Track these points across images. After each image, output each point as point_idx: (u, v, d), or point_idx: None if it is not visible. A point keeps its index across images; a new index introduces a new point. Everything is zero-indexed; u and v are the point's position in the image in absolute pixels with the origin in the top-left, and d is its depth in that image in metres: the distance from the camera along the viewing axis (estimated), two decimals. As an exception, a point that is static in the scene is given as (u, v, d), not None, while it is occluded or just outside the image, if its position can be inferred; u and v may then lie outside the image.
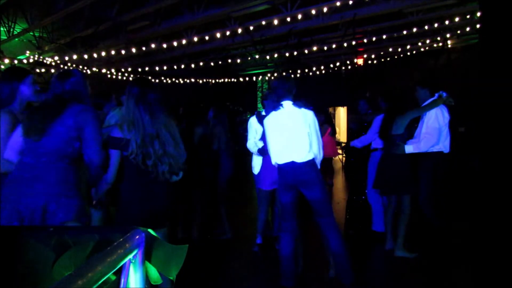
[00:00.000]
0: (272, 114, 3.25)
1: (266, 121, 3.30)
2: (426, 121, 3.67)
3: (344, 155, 9.48)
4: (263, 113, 4.18)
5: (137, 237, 1.11)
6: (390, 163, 3.85)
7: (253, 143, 4.13)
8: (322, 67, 13.57)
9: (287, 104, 3.18)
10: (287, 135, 3.14)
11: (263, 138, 4.02)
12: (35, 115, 2.18)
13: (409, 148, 3.68)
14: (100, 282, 0.87)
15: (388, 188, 3.93)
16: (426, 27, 8.92)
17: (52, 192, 2.08)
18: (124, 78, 13.08)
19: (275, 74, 15.52)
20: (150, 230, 1.20)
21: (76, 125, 2.18)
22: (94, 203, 2.45)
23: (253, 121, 4.19)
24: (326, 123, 7.55)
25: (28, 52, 9.75)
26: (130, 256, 1.05)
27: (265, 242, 4.32)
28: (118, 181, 2.63)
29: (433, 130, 3.61)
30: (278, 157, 3.20)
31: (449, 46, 10.82)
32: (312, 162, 3.12)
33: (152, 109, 2.33)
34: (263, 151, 4.00)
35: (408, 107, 3.84)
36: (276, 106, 3.26)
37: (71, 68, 10.86)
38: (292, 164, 3.11)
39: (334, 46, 10.44)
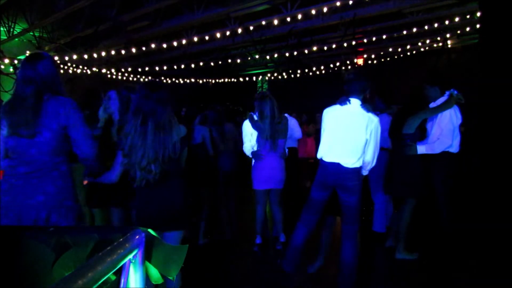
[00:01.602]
0: (336, 108, 3.05)
1: (326, 112, 3.09)
2: (438, 122, 3.58)
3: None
4: (255, 116, 4.16)
5: (137, 237, 1.11)
6: (401, 166, 3.75)
7: (249, 146, 4.10)
8: (322, 67, 13.57)
9: (355, 102, 2.97)
10: (342, 135, 2.96)
11: (258, 141, 4.00)
12: (16, 108, 2.03)
13: (421, 149, 3.59)
14: (100, 282, 0.87)
15: (398, 191, 3.86)
16: (426, 27, 8.93)
17: (53, 203, 2.05)
18: (124, 78, 13.09)
19: (275, 74, 15.54)
20: (150, 230, 1.20)
21: (64, 119, 2.08)
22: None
23: (246, 125, 4.12)
24: (312, 123, 7.52)
25: (28, 52, 9.73)
26: (130, 256, 1.05)
27: (266, 242, 4.32)
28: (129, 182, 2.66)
29: (448, 132, 3.53)
30: (326, 154, 3.03)
31: (449, 46, 10.82)
32: (358, 169, 2.98)
33: (143, 118, 2.31)
34: (257, 155, 3.98)
35: (421, 107, 3.73)
36: (343, 100, 3.04)
37: (71, 68, 10.88)
38: (338, 166, 2.96)
39: (334, 46, 10.44)
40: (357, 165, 2.96)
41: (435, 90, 3.71)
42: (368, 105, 3.03)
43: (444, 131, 3.54)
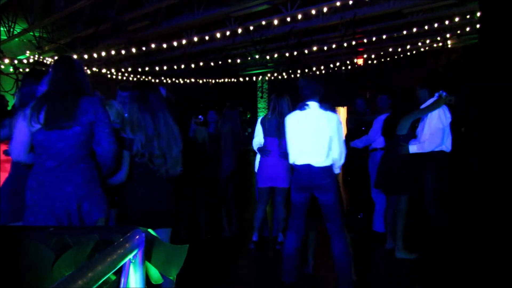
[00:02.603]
0: (296, 113, 3.19)
1: (288, 119, 3.24)
2: (429, 122, 3.67)
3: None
4: (269, 116, 4.20)
5: (137, 237, 1.11)
6: (392, 163, 3.84)
7: (257, 141, 4.21)
8: (322, 67, 13.56)
9: (313, 105, 3.11)
10: (308, 137, 3.08)
11: (265, 139, 4.11)
12: (55, 102, 2.13)
13: (413, 148, 3.69)
14: (100, 282, 0.87)
15: (389, 188, 3.92)
16: (426, 27, 8.92)
17: (82, 193, 2.12)
18: (124, 78, 13.08)
19: (275, 74, 15.53)
20: (150, 230, 1.21)
21: (92, 116, 2.18)
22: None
23: (258, 123, 4.27)
24: None
25: (28, 52, 9.76)
26: (130, 256, 1.05)
27: (264, 241, 4.34)
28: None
29: (437, 131, 3.62)
30: (296, 158, 3.15)
31: (449, 46, 10.82)
32: (329, 168, 3.07)
33: (153, 111, 2.43)
34: (263, 151, 4.06)
35: (412, 108, 3.83)
36: (301, 105, 3.18)
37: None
38: (309, 167, 3.06)
39: (334, 46, 10.44)
40: (327, 163, 3.07)
41: (424, 92, 3.83)
42: (326, 104, 3.16)
43: (433, 130, 3.64)
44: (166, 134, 2.43)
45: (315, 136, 3.07)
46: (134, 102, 2.46)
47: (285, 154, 4.06)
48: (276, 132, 3.98)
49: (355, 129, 4.92)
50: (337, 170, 3.18)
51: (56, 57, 2.43)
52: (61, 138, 2.11)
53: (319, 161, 3.05)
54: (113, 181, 2.44)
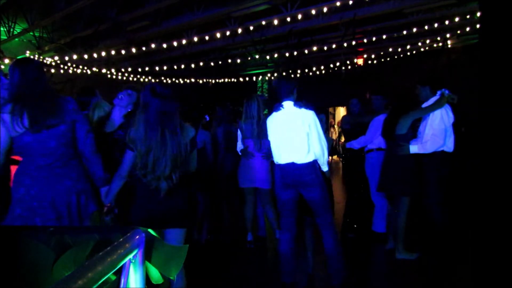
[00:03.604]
0: (273, 115, 3.26)
1: (268, 122, 3.31)
2: (431, 122, 3.62)
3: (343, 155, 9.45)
4: (243, 119, 4.27)
5: (137, 237, 1.11)
6: (394, 164, 3.79)
7: (240, 145, 4.31)
8: (322, 67, 13.55)
9: (288, 104, 3.17)
10: (287, 135, 3.14)
11: (244, 142, 4.19)
12: (35, 103, 2.11)
13: (413, 149, 3.64)
14: (100, 282, 0.87)
15: (392, 190, 3.90)
16: (426, 27, 8.92)
17: (79, 187, 2.22)
18: (124, 78, 13.07)
19: (275, 74, 15.52)
20: (150, 230, 1.21)
21: (74, 115, 2.24)
22: (105, 209, 2.29)
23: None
24: None
25: (28, 52, 9.74)
26: (130, 256, 1.06)
27: (262, 241, 4.34)
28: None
29: (439, 132, 3.57)
30: (279, 157, 3.21)
31: (449, 46, 10.81)
32: (312, 163, 3.11)
33: (157, 122, 2.21)
34: (246, 153, 4.14)
35: (412, 107, 3.78)
36: (277, 106, 3.26)
37: (71, 68, 10.87)
38: (292, 165, 3.11)
39: (334, 46, 10.43)
40: (310, 159, 3.11)
41: (425, 90, 3.78)
42: (300, 102, 3.23)
43: (435, 131, 3.59)
44: (171, 151, 2.22)
45: (293, 134, 3.12)
46: (139, 112, 2.27)
47: (266, 155, 4.08)
48: (251, 134, 4.06)
49: (351, 129, 4.88)
50: (324, 168, 3.22)
51: (16, 60, 2.38)
52: (52, 137, 2.15)
53: (300, 158, 3.10)
54: (115, 183, 2.31)
